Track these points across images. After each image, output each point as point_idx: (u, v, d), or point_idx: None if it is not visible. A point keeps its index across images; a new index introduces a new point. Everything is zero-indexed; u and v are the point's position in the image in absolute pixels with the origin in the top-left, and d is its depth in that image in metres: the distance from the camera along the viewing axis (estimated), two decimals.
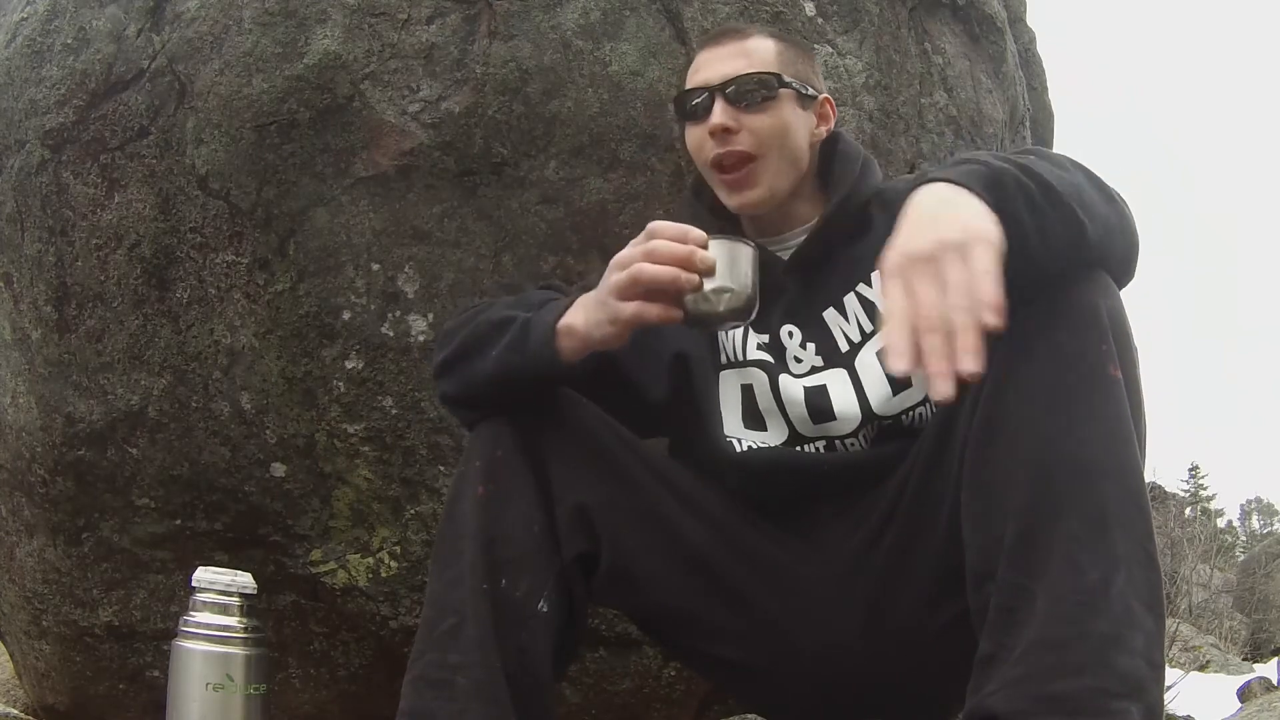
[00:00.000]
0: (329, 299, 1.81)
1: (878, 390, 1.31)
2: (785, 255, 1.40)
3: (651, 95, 1.82)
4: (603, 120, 1.82)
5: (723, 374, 1.39)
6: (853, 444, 1.32)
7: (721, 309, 1.17)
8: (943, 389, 0.95)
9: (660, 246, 1.17)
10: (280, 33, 1.80)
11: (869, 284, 1.35)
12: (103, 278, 1.87)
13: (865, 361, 1.33)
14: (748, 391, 1.37)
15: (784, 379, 1.35)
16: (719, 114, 1.35)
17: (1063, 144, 2.83)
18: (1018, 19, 2.57)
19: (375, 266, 1.81)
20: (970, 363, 0.94)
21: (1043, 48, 2.66)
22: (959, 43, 2.20)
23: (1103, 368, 1.07)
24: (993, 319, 0.95)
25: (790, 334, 1.37)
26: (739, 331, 1.39)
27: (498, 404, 1.29)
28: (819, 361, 1.35)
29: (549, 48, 1.81)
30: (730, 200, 1.39)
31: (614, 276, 1.19)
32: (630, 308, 1.18)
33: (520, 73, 1.80)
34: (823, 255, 1.38)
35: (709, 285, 1.16)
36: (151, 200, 1.84)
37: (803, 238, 1.40)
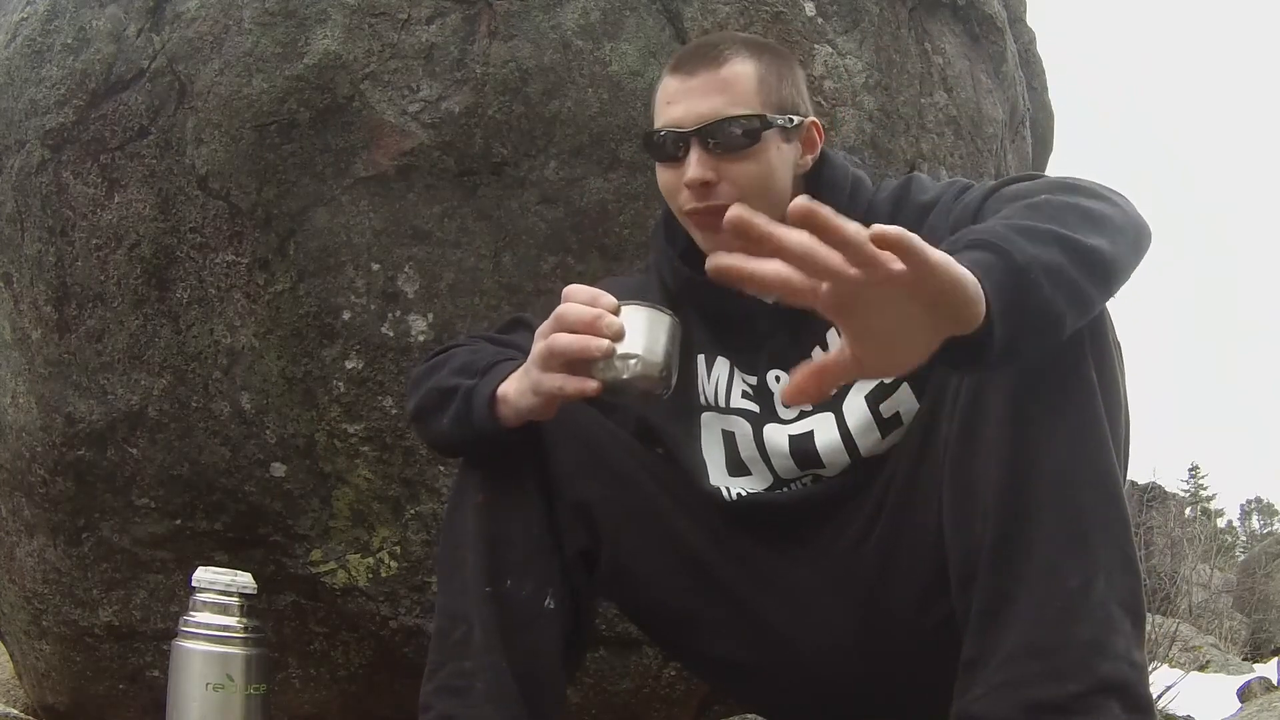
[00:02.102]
0: (329, 299, 1.81)
1: (866, 435, 1.27)
2: (769, 295, 1.34)
3: (651, 95, 1.82)
4: (603, 120, 1.82)
5: (704, 416, 1.35)
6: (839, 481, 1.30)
7: (627, 375, 1.12)
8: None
9: (568, 311, 1.14)
10: (280, 33, 1.80)
11: None
12: (103, 278, 1.87)
13: (853, 405, 1.28)
14: (729, 439, 1.34)
15: (769, 429, 1.31)
16: (696, 165, 1.24)
17: (1063, 144, 2.83)
18: (1018, 19, 2.57)
19: (375, 266, 1.81)
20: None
21: (1043, 48, 2.66)
22: (959, 43, 2.20)
23: (1076, 370, 1.07)
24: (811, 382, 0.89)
25: (778, 379, 1.32)
26: (724, 374, 1.34)
27: (470, 456, 1.28)
28: (807, 405, 1.30)
29: (549, 48, 1.81)
30: (706, 246, 1.29)
31: (535, 346, 1.16)
32: (549, 380, 1.15)
33: (520, 73, 1.80)
34: None
35: (618, 350, 1.12)
36: (151, 200, 1.84)
37: None
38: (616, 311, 1.14)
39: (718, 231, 1.26)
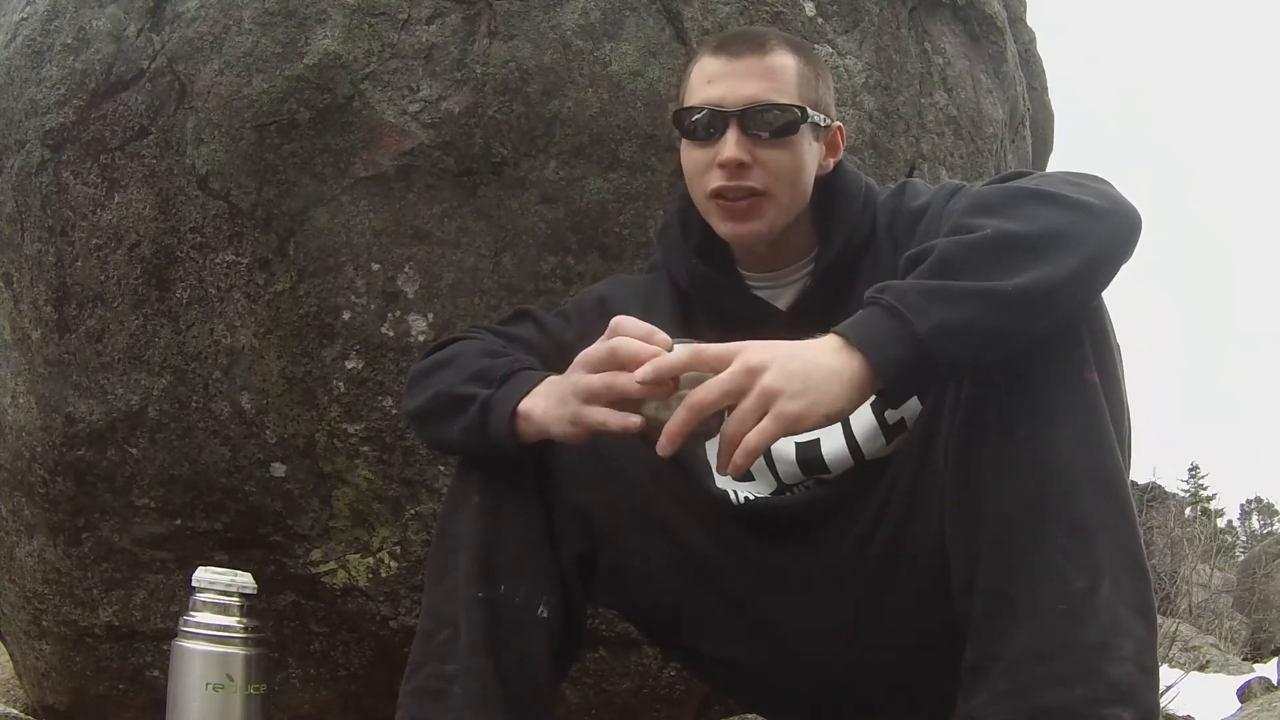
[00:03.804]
0: (329, 299, 1.81)
1: (872, 442, 1.28)
2: (779, 296, 1.34)
3: (651, 95, 1.82)
4: (603, 120, 1.82)
5: None
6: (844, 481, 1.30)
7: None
8: (665, 447, 1.05)
9: (624, 346, 1.10)
10: (280, 33, 1.80)
11: None
12: (103, 278, 1.87)
13: (859, 414, 1.25)
14: None
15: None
16: (733, 146, 1.24)
17: (1063, 144, 2.83)
18: (1018, 19, 2.57)
19: (375, 266, 1.81)
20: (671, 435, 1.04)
21: (1043, 48, 2.67)
22: (959, 43, 2.21)
23: (1077, 372, 1.07)
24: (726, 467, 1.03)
25: None
26: None
27: (477, 461, 1.27)
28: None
29: (549, 48, 1.81)
30: (726, 229, 1.29)
31: (581, 379, 1.12)
32: (593, 415, 1.11)
33: (520, 73, 1.80)
34: (819, 305, 1.31)
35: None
36: (151, 200, 1.84)
37: (798, 279, 1.33)
38: (668, 349, 1.10)
39: (741, 217, 1.27)
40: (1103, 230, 1.09)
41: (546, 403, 1.17)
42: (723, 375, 1.03)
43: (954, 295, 1.02)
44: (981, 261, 1.04)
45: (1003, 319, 1.03)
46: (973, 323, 1.02)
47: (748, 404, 1.02)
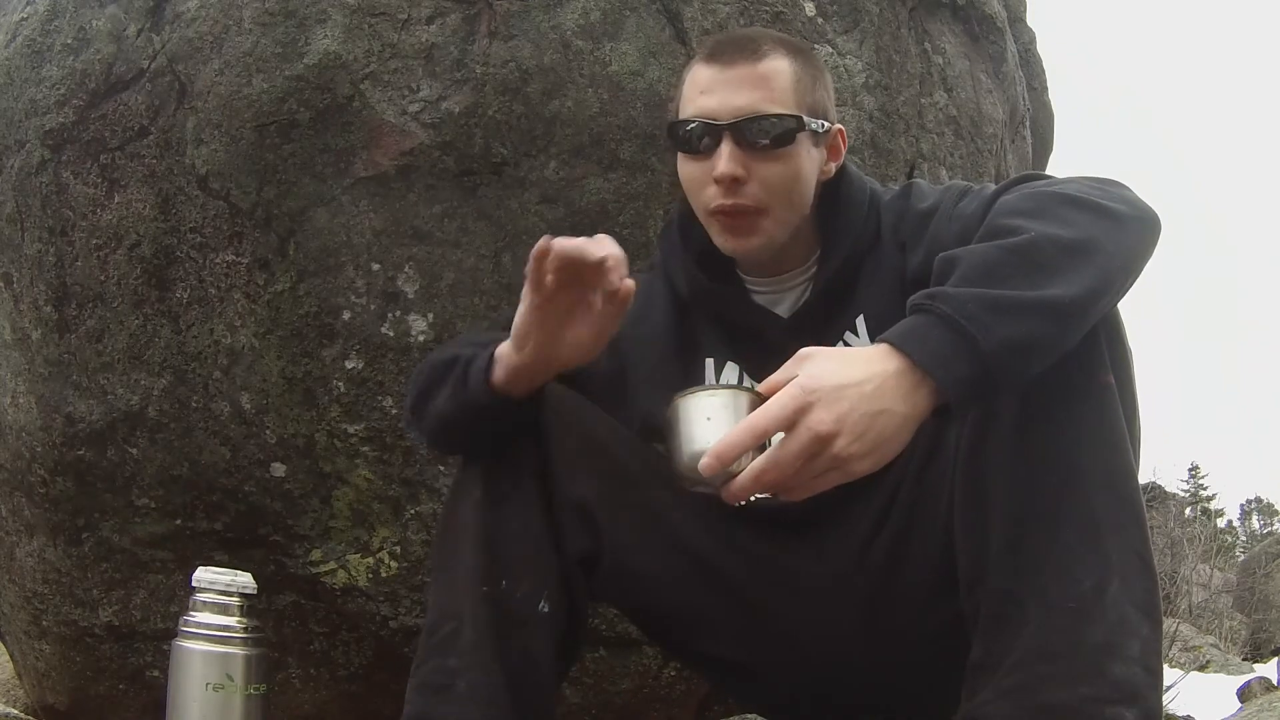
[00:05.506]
0: (329, 299, 1.81)
1: None
2: (779, 303, 1.33)
3: (651, 95, 1.82)
4: (603, 120, 1.82)
5: None
6: None
7: (742, 465, 1.01)
8: (732, 498, 1.02)
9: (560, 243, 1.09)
10: (280, 33, 1.80)
11: (855, 331, 1.28)
12: (103, 278, 1.87)
13: None
14: None
15: (779, 436, 1.30)
16: (728, 161, 1.21)
17: (1063, 144, 2.84)
18: (1018, 19, 2.57)
19: (375, 266, 1.81)
20: (734, 497, 1.02)
21: (1043, 48, 2.67)
22: (959, 43, 2.21)
23: (1093, 374, 1.06)
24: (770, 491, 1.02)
25: None
26: (733, 380, 1.33)
27: (466, 445, 1.27)
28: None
29: (549, 48, 1.81)
30: (725, 244, 1.27)
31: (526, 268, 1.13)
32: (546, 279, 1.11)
33: (520, 73, 1.80)
34: (820, 312, 1.30)
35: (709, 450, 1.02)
36: (151, 200, 1.84)
37: (799, 285, 1.32)
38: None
39: (741, 233, 1.25)
40: (1131, 236, 1.08)
41: (513, 323, 1.17)
42: (794, 449, 0.98)
43: (1015, 308, 0.99)
44: (1029, 266, 1.01)
45: (1060, 331, 1.01)
46: (1033, 336, 0.99)
47: (818, 466, 0.99)
